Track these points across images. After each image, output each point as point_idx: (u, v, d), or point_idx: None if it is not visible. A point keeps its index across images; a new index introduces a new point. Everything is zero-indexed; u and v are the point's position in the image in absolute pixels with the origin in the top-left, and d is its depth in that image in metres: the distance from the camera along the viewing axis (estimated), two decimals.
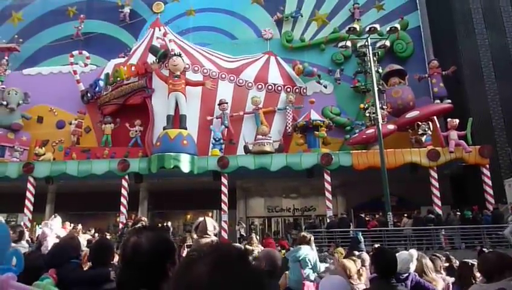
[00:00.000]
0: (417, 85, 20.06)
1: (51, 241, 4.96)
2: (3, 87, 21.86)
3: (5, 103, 21.14)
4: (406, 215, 17.82)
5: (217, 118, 19.87)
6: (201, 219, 4.33)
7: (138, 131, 20.39)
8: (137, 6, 24.63)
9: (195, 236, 4.47)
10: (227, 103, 19.90)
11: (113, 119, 20.75)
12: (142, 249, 1.59)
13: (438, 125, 17.80)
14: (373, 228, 15.18)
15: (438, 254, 6.04)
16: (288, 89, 21.17)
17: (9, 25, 25.22)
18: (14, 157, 19.99)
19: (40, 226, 20.16)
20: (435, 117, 18.05)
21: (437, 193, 16.67)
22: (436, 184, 16.76)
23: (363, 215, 17.30)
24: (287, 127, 19.92)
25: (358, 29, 17.61)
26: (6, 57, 23.37)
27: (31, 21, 25.26)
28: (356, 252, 6.36)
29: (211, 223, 4.20)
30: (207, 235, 4.09)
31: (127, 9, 24.18)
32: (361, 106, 18.62)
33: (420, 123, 17.61)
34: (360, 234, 10.98)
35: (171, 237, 1.73)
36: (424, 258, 3.86)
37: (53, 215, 7.40)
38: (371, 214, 18.75)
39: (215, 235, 4.27)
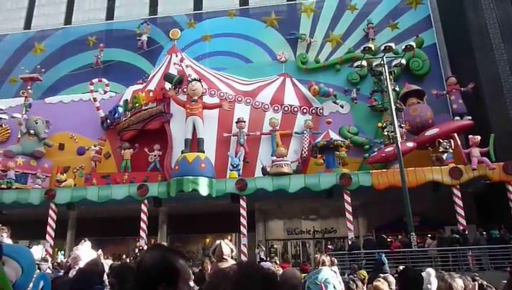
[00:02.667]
0: (436, 102, 19.81)
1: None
2: (24, 116, 22.42)
3: (32, 132, 21.72)
4: (429, 235, 17.32)
5: (233, 136, 20.01)
6: (218, 242, 4.24)
7: (157, 155, 20.58)
8: (155, 34, 25.27)
9: (214, 260, 4.40)
10: (244, 122, 20.07)
11: (132, 144, 21.04)
12: (143, 266, 1.59)
13: (459, 142, 17.45)
14: (396, 249, 14.79)
15: (466, 276, 5.77)
16: (305, 110, 21.18)
17: (32, 55, 26.15)
18: (36, 184, 20.41)
19: (61, 252, 20.43)
20: (456, 134, 17.73)
21: (461, 211, 16.19)
22: (460, 203, 16.30)
23: (385, 236, 16.88)
24: (303, 152, 19.83)
25: (373, 48, 17.62)
26: (29, 87, 24.07)
27: (52, 51, 26.12)
28: (381, 275, 6.15)
29: (227, 247, 4.09)
30: (224, 260, 4.01)
31: (144, 37, 24.81)
32: (379, 124, 18.42)
33: (441, 141, 17.29)
34: (384, 255, 10.70)
35: (180, 261, 1.61)
36: (452, 279, 3.49)
37: (83, 240, 7.44)
38: (393, 235, 18.28)
39: (234, 259, 4.16)
